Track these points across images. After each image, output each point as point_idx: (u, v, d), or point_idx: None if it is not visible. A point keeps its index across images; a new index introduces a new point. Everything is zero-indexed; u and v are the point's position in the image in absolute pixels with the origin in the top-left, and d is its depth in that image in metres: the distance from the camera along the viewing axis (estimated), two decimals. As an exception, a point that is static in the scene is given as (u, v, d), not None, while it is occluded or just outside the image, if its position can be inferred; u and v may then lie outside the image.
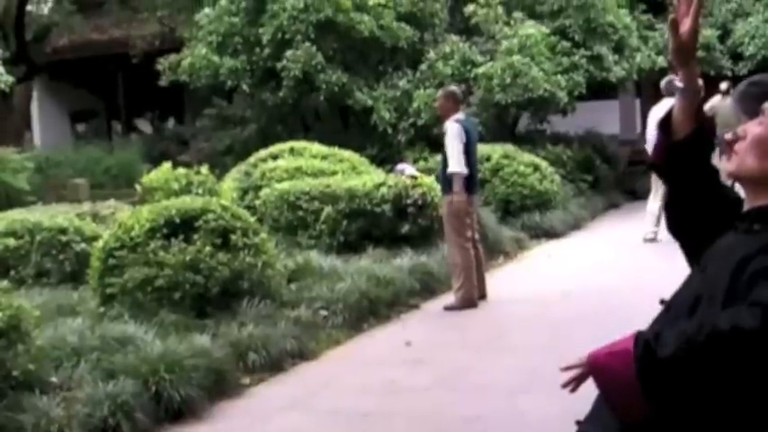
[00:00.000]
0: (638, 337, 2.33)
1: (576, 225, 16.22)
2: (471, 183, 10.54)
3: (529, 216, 15.30)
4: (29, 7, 26.12)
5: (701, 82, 2.74)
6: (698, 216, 2.59)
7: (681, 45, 2.61)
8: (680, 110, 2.67)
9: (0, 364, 6.39)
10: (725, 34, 21.32)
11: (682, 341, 2.21)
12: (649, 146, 13.80)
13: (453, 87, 11.42)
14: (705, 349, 2.18)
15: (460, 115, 10.66)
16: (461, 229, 10.41)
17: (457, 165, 10.25)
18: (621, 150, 22.05)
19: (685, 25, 2.58)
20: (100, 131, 29.64)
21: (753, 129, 2.41)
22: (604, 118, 22.54)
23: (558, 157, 18.18)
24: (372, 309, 9.82)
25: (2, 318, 6.46)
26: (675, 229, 2.75)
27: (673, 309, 2.50)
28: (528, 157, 16.39)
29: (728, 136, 2.49)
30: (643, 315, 2.67)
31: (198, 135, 23.68)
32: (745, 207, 2.45)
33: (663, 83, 12.41)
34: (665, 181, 2.79)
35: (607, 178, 19.81)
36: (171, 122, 29.70)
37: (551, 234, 15.21)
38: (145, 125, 30.68)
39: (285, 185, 12.85)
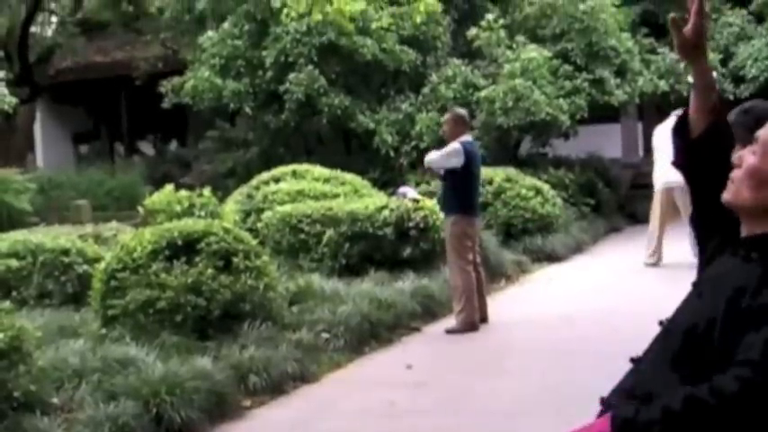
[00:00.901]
0: (615, 418, 2.31)
1: (577, 248, 16.21)
2: (473, 206, 10.58)
3: (530, 239, 15.29)
4: (32, 29, 26.20)
5: (714, 76, 2.75)
6: (722, 212, 2.58)
7: (685, 42, 2.64)
8: (694, 107, 2.69)
9: (1, 384, 6.40)
10: (727, 57, 21.35)
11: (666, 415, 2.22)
12: (657, 166, 13.84)
13: (461, 110, 11.45)
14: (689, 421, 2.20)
15: (467, 137, 10.70)
16: (463, 252, 10.42)
17: (429, 158, 10.64)
18: (623, 174, 22.06)
19: (688, 22, 2.61)
20: (102, 153, 29.69)
21: (747, 158, 2.41)
22: (606, 141, 22.56)
23: (560, 181, 18.18)
24: (374, 332, 9.82)
25: (3, 339, 6.48)
26: (701, 229, 2.75)
27: (670, 334, 2.49)
28: (530, 180, 16.40)
29: None
30: (644, 339, 2.67)
31: (200, 157, 23.70)
32: (742, 233, 2.45)
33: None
34: (689, 181, 2.79)
35: (609, 202, 19.81)
36: (173, 145, 29.77)
37: (553, 257, 15.21)
38: (147, 147, 30.74)
39: (287, 208, 12.86)
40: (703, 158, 2.65)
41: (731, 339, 2.25)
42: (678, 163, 2.79)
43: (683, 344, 2.39)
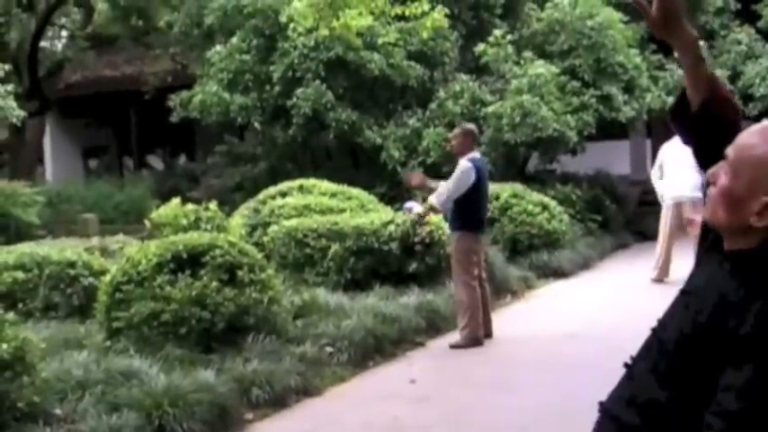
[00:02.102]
0: None
1: (584, 265, 16.20)
2: (479, 222, 10.58)
3: (537, 255, 15.29)
4: (42, 43, 26.31)
5: (700, 48, 2.74)
6: None
7: (654, 21, 2.66)
8: (688, 83, 2.70)
9: (5, 395, 6.43)
10: (735, 76, 21.37)
11: None
12: (665, 181, 13.82)
13: (471, 125, 11.42)
14: None
15: (476, 154, 10.69)
16: (468, 268, 10.43)
17: (438, 198, 10.46)
18: (631, 191, 22.07)
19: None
20: (111, 167, 29.82)
21: (721, 177, 2.41)
22: (615, 158, 22.58)
23: (567, 197, 18.18)
24: (378, 346, 9.82)
25: (7, 349, 6.51)
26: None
27: (661, 344, 2.50)
28: (537, 196, 16.40)
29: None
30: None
31: (208, 172, 23.77)
32: (726, 246, 2.45)
33: None
34: (700, 162, 2.78)
35: (616, 218, 19.79)
36: (182, 159, 29.87)
37: (559, 273, 15.20)
38: (156, 161, 30.86)
39: (293, 222, 12.88)
40: (707, 132, 2.65)
41: (712, 357, 2.27)
42: (686, 142, 2.80)
43: (673, 356, 2.40)
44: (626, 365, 2.61)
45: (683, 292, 2.55)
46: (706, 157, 2.68)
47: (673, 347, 2.42)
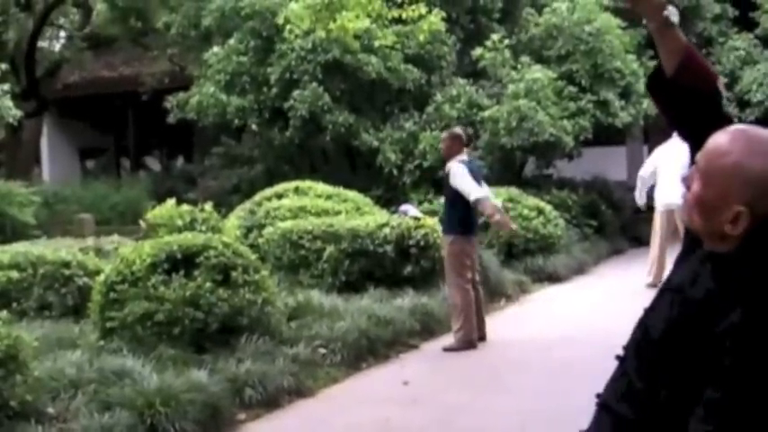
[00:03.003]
0: None
1: (579, 270, 16.22)
2: (471, 225, 10.60)
3: (532, 259, 15.31)
4: (40, 43, 26.32)
5: (670, 13, 2.67)
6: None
7: None
8: (661, 51, 2.67)
9: (-3, 393, 6.43)
10: (732, 81, 21.41)
11: None
12: (658, 186, 13.88)
13: (458, 129, 11.48)
14: None
15: (464, 156, 10.72)
16: (461, 270, 10.44)
17: (476, 191, 10.32)
18: (628, 196, 22.06)
19: None
20: (108, 168, 29.83)
21: (694, 183, 2.40)
22: (612, 164, 22.60)
23: (563, 202, 18.21)
24: (371, 348, 9.84)
25: (0, 348, 6.50)
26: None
27: (648, 340, 2.50)
28: (533, 200, 16.42)
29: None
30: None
31: (206, 173, 23.78)
32: (705, 247, 2.45)
33: None
34: (680, 134, 2.77)
35: (612, 224, 19.82)
36: (180, 160, 29.87)
37: (554, 278, 15.22)
38: (154, 163, 30.88)
39: (288, 224, 12.90)
40: (683, 102, 2.64)
41: (697, 355, 2.28)
42: (664, 112, 2.78)
43: (659, 351, 2.41)
44: (618, 358, 2.62)
45: (667, 289, 2.55)
46: (687, 129, 2.69)
47: (658, 343, 2.43)
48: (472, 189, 10.29)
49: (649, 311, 2.57)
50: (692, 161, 2.60)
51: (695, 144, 2.60)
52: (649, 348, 2.48)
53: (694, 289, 2.39)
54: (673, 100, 2.68)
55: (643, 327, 2.56)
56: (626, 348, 2.59)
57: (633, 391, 2.49)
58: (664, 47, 2.67)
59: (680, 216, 13.21)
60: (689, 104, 2.63)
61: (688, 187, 2.42)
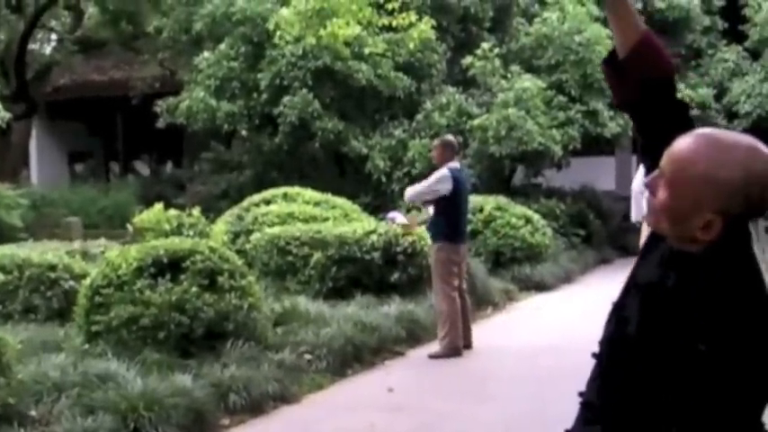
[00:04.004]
0: None
1: (566, 278, 16.25)
2: (459, 232, 10.61)
3: (519, 268, 15.34)
4: (31, 45, 26.28)
5: None
6: (665, 138, 2.45)
7: None
8: (616, 32, 2.60)
9: (-21, 396, 6.42)
10: (721, 93, 21.49)
11: None
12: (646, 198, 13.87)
13: (450, 137, 11.52)
14: None
15: (455, 164, 10.74)
16: (448, 278, 10.45)
17: (409, 192, 10.77)
18: (616, 206, 22.11)
19: None
20: (97, 172, 29.78)
21: (659, 191, 2.35)
22: (600, 174, 22.65)
23: (551, 211, 18.25)
24: (357, 355, 9.83)
25: (-17, 350, 6.50)
26: (648, 151, 2.63)
27: (620, 328, 2.50)
28: (520, 209, 16.45)
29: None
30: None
31: (195, 179, 23.77)
32: (672, 246, 2.43)
33: None
34: (635, 120, 2.67)
35: (600, 233, 19.86)
36: (169, 165, 29.83)
37: (541, 286, 15.25)
38: (143, 167, 30.83)
39: (275, 230, 12.89)
40: (637, 87, 2.56)
41: (671, 356, 2.29)
42: (617, 101, 2.70)
43: (636, 351, 2.40)
44: (594, 356, 2.61)
45: (635, 285, 2.53)
46: (638, 116, 2.63)
47: (634, 339, 2.42)
48: (417, 190, 10.64)
49: (619, 308, 2.55)
50: (647, 158, 2.59)
51: (648, 134, 2.59)
52: (625, 345, 2.47)
53: (666, 287, 2.38)
54: (627, 84, 2.63)
55: (615, 323, 2.55)
56: (601, 344, 2.59)
57: (611, 386, 2.49)
58: (620, 25, 2.58)
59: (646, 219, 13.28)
60: (640, 89, 2.56)
61: (652, 192, 2.39)
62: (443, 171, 10.47)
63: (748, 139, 2.34)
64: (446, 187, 10.39)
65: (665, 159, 2.34)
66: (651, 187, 2.38)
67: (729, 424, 2.24)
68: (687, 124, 2.46)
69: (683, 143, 2.33)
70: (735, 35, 22.49)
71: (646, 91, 2.55)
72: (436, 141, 11.34)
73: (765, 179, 2.27)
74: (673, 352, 2.29)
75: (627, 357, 2.44)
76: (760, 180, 2.26)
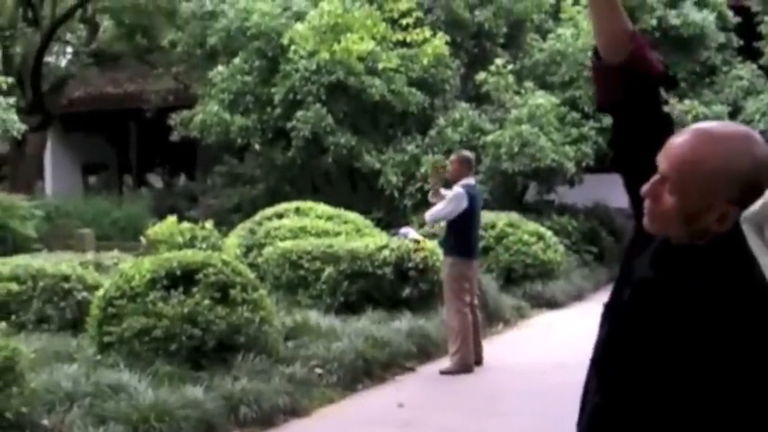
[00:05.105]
0: None
1: (578, 296, 16.21)
2: (471, 248, 10.62)
3: (531, 285, 15.31)
4: (47, 58, 26.41)
5: None
6: (643, 148, 2.48)
7: None
8: (599, 25, 2.58)
9: (-8, 404, 6.45)
10: (735, 111, 21.42)
11: None
12: None
13: (467, 153, 11.52)
14: None
15: (470, 181, 10.76)
16: (460, 294, 10.46)
17: (430, 214, 10.76)
18: (629, 224, 21.85)
19: None
20: (111, 184, 29.88)
21: (665, 198, 2.34)
22: (614, 191, 22.32)
23: (564, 228, 18.22)
24: (367, 369, 9.85)
25: (-3, 359, 6.54)
26: (620, 163, 2.65)
27: (618, 328, 2.50)
28: (533, 225, 16.42)
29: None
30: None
31: (208, 192, 23.83)
32: (672, 241, 2.42)
33: None
34: (613, 116, 2.66)
35: (612, 251, 19.79)
36: (182, 178, 29.92)
37: (553, 304, 15.22)
38: (156, 180, 30.93)
39: (288, 244, 12.92)
40: (623, 83, 2.54)
41: (678, 351, 2.29)
42: (602, 100, 2.67)
43: (640, 347, 2.40)
44: (591, 360, 2.61)
45: (629, 283, 2.51)
46: (624, 128, 2.61)
47: (626, 336, 2.43)
48: (437, 214, 10.64)
49: (611, 308, 2.55)
50: (621, 171, 2.59)
51: (625, 142, 2.59)
52: (618, 342, 2.47)
53: (660, 282, 2.38)
54: (610, 80, 2.59)
55: (608, 323, 2.54)
56: (596, 346, 2.59)
57: (606, 384, 2.49)
58: (605, 18, 2.56)
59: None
60: (625, 90, 2.55)
61: (654, 199, 2.35)
62: (459, 190, 10.47)
63: (740, 128, 2.38)
64: (463, 206, 10.41)
65: (665, 164, 2.33)
66: (651, 194, 2.36)
67: (731, 419, 2.24)
68: (665, 138, 2.43)
69: (680, 144, 2.33)
70: (750, 52, 22.43)
71: (632, 92, 2.55)
72: (453, 156, 11.33)
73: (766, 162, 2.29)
74: (669, 346, 2.29)
75: (621, 354, 2.44)
76: (766, 163, 2.28)
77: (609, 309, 2.55)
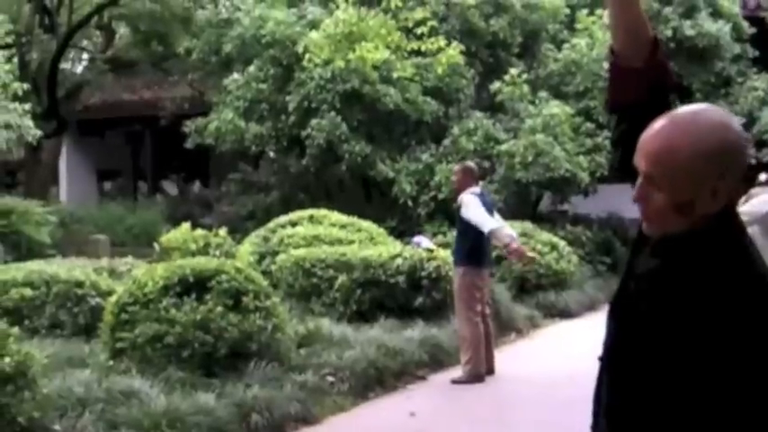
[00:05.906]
0: None
1: (591, 306, 16.16)
2: (482, 257, 10.61)
3: (544, 295, 15.29)
4: (62, 65, 26.51)
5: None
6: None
7: None
8: (621, 25, 2.62)
9: (5, 409, 6.48)
10: (750, 122, 21.36)
11: None
12: None
13: (470, 163, 11.56)
14: None
15: (476, 189, 10.75)
16: (472, 303, 10.45)
17: (490, 223, 10.34)
18: (642, 235, 22.01)
19: None
20: (126, 190, 29.97)
21: (654, 198, 2.35)
22: (628, 201, 22.13)
23: (578, 238, 18.20)
24: (379, 378, 9.86)
25: (9, 363, 6.56)
26: (626, 165, 2.59)
27: (626, 323, 2.50)
28: (546, 235, 16.41)
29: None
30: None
31: (222, 199, 23.87)
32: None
33: None
34: (625, 119, 2.67)
35: (626, 261, 19.75)
36: (196, 185, 29.99)
37: (565, 314, 15.18)
38: (171, 187, 31.00)
39: (301, 252, 12.94)
40: (647, 83, 2.57)
41: (680, 344, 2.29)
42: (619, 100, 2.68)
43: (644, 346, 2.40)
44: (600, 359, 2.60)
45: (631, 279, 2.51)
46: (639, 130, 2.51)
47: (631, 333, 2.43)
48: (485, 220, 10.32)
49: (621, 303, 2.55)
50: (625, 167, 2.57)
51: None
52: (624, 339, 2.46)
53: (656, 272, 2.38)
54: (631, 81, 2.60)
55: (614, 322, 2.55)
56: (604, 345, 2.58)
57: (614, 383, 2.49)
58: (629, 19, 2.61)
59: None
60: (649, 90, 2.57)
61: (646, 202, 2.37)
62: (472, 197, 10.46)
63: (700, 105, 2.41)
64: (479, 205, 10.39)
65: (644, 163, 2.34)
66: (641, 197, 2.37)
67: (732, 416, 2.23)
68: None
69: (651, 139, 2.34)
70: (765, 63, 22.38)
71: (654, 94, 2.56)
72: (457, 167, 11.40)
73: (739, 130, 2.32)
74: (675, 334, 2.28)
75: (629, 348, 2.43)
76: (736, 131, 2.31)
77: (614, 305, 2.55)
